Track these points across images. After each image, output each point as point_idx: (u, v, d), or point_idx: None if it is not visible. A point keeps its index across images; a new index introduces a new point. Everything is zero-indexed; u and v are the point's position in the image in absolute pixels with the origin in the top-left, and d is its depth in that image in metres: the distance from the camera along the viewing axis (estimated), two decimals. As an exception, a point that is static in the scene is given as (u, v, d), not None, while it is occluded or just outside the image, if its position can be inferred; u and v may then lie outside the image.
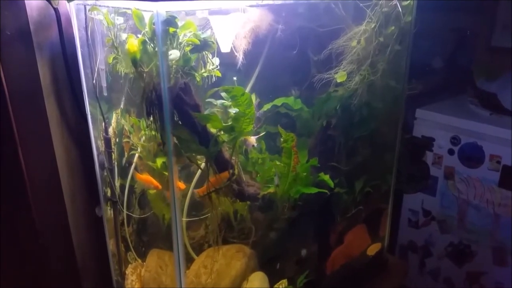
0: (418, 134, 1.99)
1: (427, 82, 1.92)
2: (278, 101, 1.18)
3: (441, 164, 1.95)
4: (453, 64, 2.26)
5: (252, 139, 1.06)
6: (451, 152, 1.90)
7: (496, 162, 1.78)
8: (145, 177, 1.11)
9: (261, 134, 1.11)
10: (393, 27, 1.17)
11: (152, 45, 0.89)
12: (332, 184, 1.18)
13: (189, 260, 1.15)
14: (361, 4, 1.12)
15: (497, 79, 1.92)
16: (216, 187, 1.01)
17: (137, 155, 1.15)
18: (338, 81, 1.16)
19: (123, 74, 1.01)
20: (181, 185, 1.03)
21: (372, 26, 1.14)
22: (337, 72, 1.16)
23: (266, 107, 1.17)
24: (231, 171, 1.02)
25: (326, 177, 1.17)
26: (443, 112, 1.93)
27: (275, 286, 1.21)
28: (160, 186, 1.08)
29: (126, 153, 1.20)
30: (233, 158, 1.03)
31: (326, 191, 1.17)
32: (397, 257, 2.15)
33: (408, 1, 1.19)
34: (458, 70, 2.28)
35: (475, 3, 2.19)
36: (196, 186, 1.08)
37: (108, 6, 0.98)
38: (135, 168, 1.16)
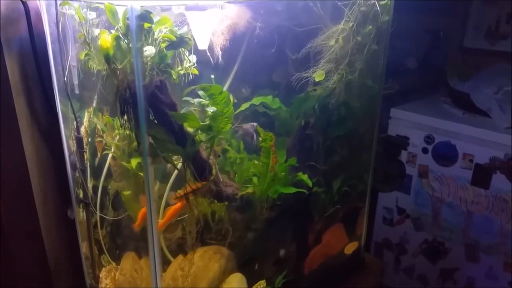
0: (393, 133, 2.02)
1: (401, 82, 1.94)
2: (256, 100, 1.17)
3: (415, 163, 1.98)
4: (426, 64, 2.30)
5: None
6: (425, 150, 1.93)
7: (469, 160, 1.81)
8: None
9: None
10: (370, 27, 1.17)
11: (126, 41, 0.86)
12: (310, 184, 1.17)
13: (166, 263, 1.12)
14: (339, 3, 1.12)
15: (470, 79, 1.97)
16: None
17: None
18: (316, 80, 1.15)
19: (95, 71, 0.98)
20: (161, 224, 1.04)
21: (350, 25, 1.14)
22: (315, 71, 1.15)
23: (244, 106, 1.16)
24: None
25: (305, 177, 1.16)
26: (417, 112, 1.96)
27: (254, 287, 1.20)
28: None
29: (99, 153, 1.16)
30: (211, 158, 1.02)
31: (305, 190, 1.16)
32: (373, 254, 2.17)
33: (386, 1, 1.20)
34: (432, 70, 2.32)
35: (448, 5, 2.23)
36: (172, 187, 1.06)
37: (80, 1, 0.95)
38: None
